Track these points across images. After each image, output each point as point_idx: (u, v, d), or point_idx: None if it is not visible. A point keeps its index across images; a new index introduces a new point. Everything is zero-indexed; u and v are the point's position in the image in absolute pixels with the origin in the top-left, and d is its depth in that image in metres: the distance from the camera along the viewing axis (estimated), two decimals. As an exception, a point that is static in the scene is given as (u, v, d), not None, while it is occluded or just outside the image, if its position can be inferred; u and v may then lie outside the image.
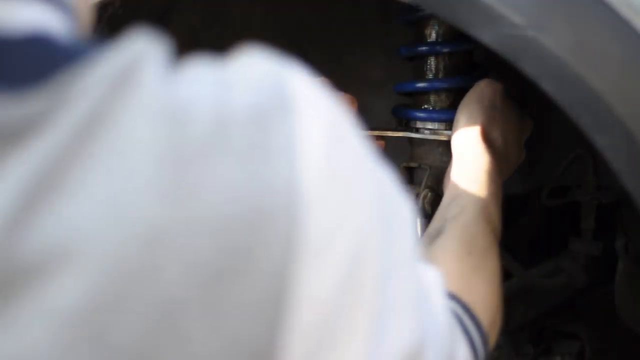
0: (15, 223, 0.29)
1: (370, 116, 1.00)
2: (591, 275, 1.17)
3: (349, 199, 0.36)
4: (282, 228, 0.33)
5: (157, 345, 0.31)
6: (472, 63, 1.01)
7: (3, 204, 0.29)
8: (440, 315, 0.48)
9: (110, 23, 1.04)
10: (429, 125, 0.99)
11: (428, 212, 0.98)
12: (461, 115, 0.90)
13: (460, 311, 0.61)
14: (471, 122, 0.88)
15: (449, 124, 0.98)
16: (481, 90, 0.91)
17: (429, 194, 0.98)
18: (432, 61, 0.99)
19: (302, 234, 0.33)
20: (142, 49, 0.32)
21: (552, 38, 0.68)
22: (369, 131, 0.97)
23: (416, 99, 1.02)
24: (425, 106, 1.01)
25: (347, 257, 0.35)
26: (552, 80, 0.68)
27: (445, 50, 0.98)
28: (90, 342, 0.30)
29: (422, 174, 1.00)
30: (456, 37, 0.97)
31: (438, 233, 0.76)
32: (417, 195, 0.98)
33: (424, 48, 0.99)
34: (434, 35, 0.99)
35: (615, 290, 1.16)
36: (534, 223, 1.26)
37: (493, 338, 0.67)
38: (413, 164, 1.02)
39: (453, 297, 0.62)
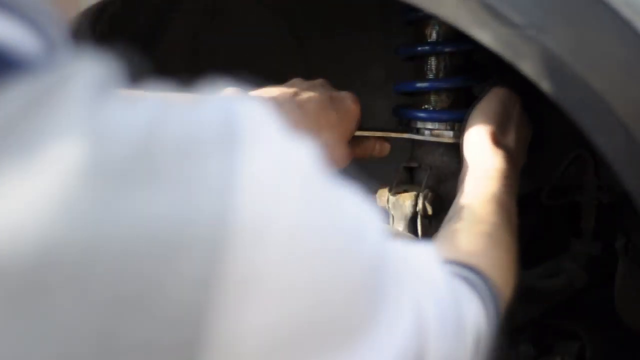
0: None
1: (370, 116, 1.00)
2: (591, 275, 1.17)
3: (289, 243, 0.34)
4: (200, 264, 0.32)
5: None
6: (472, 63, 1.01)
7: None
8: (440, 284, 0.50)
9: (110, 23, 1.04)
10: (429, 126, 0.99)
11: (428, 212, 0.98)
12: (476, 120, 0.89)
13: (464, 272, 0.60)
14: (485, 128, 0.87)
15: (450, 124, 0.98)
16: (501, 100, 0.91)
17: (429, 194, 0.98)
18: (432, 61, 0.99)
19: (225, 273, 0.32)
20: (80, 68, 0.32)
21: (552, 38, 0.68)
22: (370, 132, 0.97)
23: (416, 99, 1.02)
24: (426, 106, 1.01)
25: (279, 305, 0.34)
26: (552, 80, 0.68)
27: (446, 50, 0.98)
28: None
29: (423, 174, 1.00)
30: (456, 37, 0.97)
31: (449, 218, 0.76)
32: (418, 195, 0.98)
33: (424, 48, 0.99)
34: (434, 35, 0.99)
35: (615, 290, 1.16)
36: (534, 223, 1.26)
37: (507, 294, 0.66)
38: (413, 164, 1.02)
39: (457, 263, 0.62)
